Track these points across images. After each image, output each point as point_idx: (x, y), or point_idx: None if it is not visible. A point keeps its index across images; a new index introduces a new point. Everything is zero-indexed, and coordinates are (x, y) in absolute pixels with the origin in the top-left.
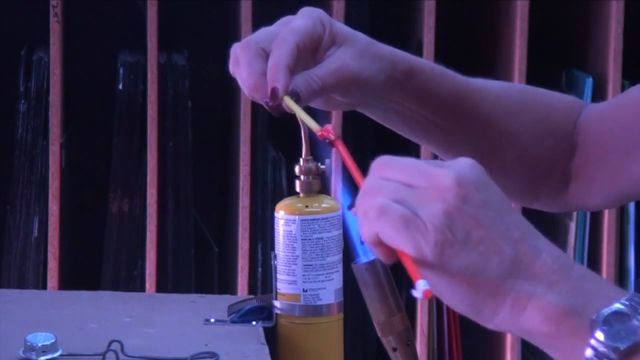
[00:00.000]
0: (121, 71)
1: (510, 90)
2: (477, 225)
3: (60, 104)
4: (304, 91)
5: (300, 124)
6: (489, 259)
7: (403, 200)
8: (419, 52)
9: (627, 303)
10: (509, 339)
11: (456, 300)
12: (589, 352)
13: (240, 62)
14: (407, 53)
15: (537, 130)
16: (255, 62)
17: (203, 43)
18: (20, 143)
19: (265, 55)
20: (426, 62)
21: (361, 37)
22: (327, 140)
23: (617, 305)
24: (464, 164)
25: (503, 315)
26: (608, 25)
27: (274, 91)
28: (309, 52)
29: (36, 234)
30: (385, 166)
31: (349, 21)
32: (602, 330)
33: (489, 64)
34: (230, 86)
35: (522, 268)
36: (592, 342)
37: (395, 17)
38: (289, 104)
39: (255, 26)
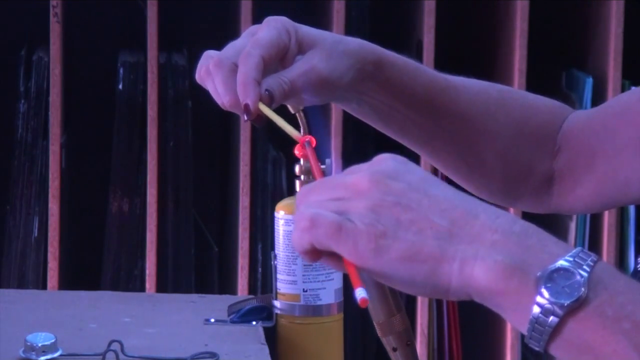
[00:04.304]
0: (121, 71)
1: (489, 89)
2: (404, 210)
3: (60, 104)
4: (276, 92)
5: (298, 117)
6: (424, 235)
7: (332, 211)
8: (419, 52)
9: (571, 259)
10: (509, 339)
11: (410, 285)
12: (535, 309)
13: (215, 81)
14: (378, 46)
15: (516, 130)
16: (231, 80)
17: (203, 43)
18: (20, 143)
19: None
20: (398, 56)
21: (327, 37)
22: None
23: (561, 262)
24: (377, 161)
25: (455, 283)
26: (608, 25)
27: (247, 107)
28: (277, 61)
29: (36, 234)
30: (307, 194)
31: (349, 21)
32: (547, 288)
33: (489, 64)
34: None
35: (462, 233)
36: (538, 299)
37: (395, 17)
38: (267, 112)
39: None
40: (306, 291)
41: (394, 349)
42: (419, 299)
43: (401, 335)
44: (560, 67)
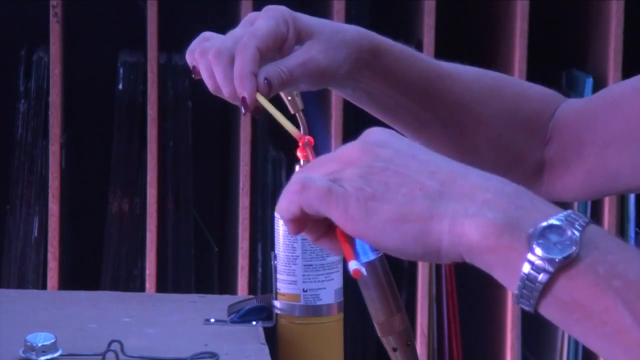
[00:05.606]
0: (121, 71)
1: (483, 77)
2: (392, 174)
3: (60, 104)
4: (275, 80)
5: (298, 117)
6: (413, 195)
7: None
8: (418, 52)
9: (562, 218)
10: (509, 340)
11: (401, 248)
12: (526, 267)
13: (215, 72)
14: (375, 33)
15: (509, 117)
16: (229, 71)
17: None
18: (20, 143)
19: None
20: (395, 43)
21: (326, 27)
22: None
23: (553, 220)
24: (366, 133)
25: (445, 242)
26: (608, 25)
27: (244, 100)
28: (275, 51)
29: (36, 234)
30: (301, 173)
31: (349, 21)
32: (538, 244)
33: (489, 64)
34: None
35: (452, 192)
36: (529, 256)
37: (395, 17)
38: (266, 106)
39: None
40: (306, 291)
41: (394, 349)
42: (419, 299)
43: (401, 335)
44: (560, 67)
